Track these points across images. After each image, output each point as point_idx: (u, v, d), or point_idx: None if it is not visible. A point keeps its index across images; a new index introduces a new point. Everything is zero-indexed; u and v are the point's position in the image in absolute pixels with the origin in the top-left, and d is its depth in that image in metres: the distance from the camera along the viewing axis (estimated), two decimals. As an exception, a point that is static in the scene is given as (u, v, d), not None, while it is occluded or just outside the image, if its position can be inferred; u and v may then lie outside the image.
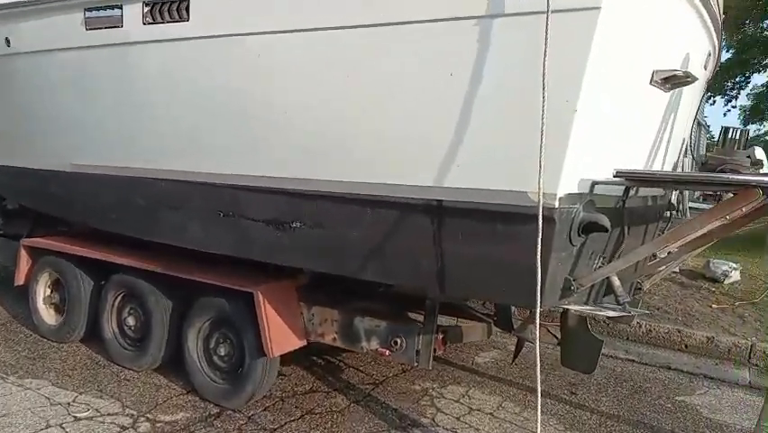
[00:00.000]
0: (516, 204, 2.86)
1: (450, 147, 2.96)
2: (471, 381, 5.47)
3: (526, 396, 5.18)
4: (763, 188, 2.66)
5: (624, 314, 3.12)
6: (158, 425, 4.26)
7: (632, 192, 3.45)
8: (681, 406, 5.20)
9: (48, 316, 5.82)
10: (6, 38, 4.80)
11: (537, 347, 3.00)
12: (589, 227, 2.97)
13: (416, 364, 4.14)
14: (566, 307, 3.12)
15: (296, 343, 4.46)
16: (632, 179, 2.92)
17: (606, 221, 2.95)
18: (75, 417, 4.31)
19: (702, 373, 6.05)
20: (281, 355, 4.66)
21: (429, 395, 5.06)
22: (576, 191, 2.92)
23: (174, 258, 4.89)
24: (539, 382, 3.00)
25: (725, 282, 8.08)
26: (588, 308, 3.36)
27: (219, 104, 3.71)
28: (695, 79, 3.31)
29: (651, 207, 4.01)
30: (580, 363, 4.13)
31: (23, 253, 5.89)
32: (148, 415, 4.40)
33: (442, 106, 2.96)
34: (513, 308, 4.35)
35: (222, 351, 4.64)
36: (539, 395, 3.13)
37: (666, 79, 3.19)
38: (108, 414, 4.38)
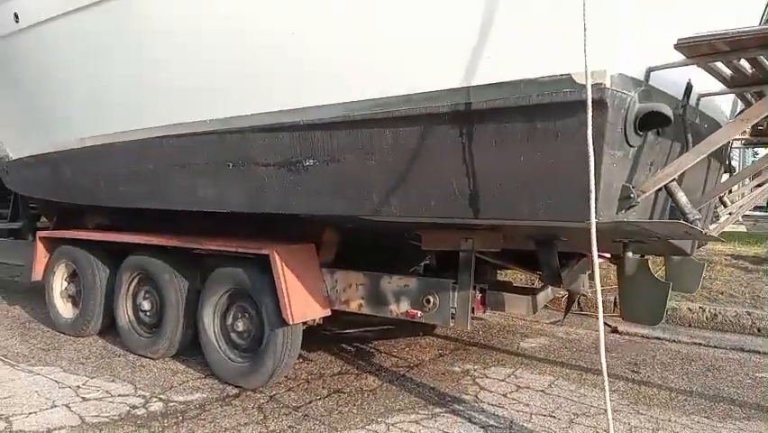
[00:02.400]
0: (558, 91, 2.42)
1: (478, 35, 2.55)
2: (518, 362, 4.93)
3: (582, 375, 4.61)
4: None
5: (693, 228, 2.58)
6: (171, 404, 3.87)
7: (692, 99, 2.97)
8: (763, 381, 4.53)
9: (65, 309, 5.57)
10: (15, 13, 4.66)
11: (597, 273, 2.49)
12: (647, 120, 2.50)
13: (451, 325, 3.65)
14: (624, 220, 2.61)
15: (318, 311, 4.04)
16: (702, 49, 2.36)
17: (667, 109, 2.48)
18: (83, 397, 3.96)
19: (782, 353, 5.33)
20: (307, 339, 4.27)
21: (471, 375, 4.54)
22: (630, 74, 2.46)
23: (188, 232, 4.60)
24: (600, 306, 2.48)
25: (794, 264, 7.32)
26: (650, 220, 2.84)
27: (216, 41, 3.42)
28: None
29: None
30: (645, 314, 3.56)
31: (40, 246, 5.68)
32: (161, 396, 4.02)
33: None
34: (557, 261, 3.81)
35: (240, 326, 4.25)
36: (602, 331, 2.60)
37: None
38: (119, 395, 4.02)
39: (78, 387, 4.15)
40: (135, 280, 4.96)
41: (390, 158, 3.00)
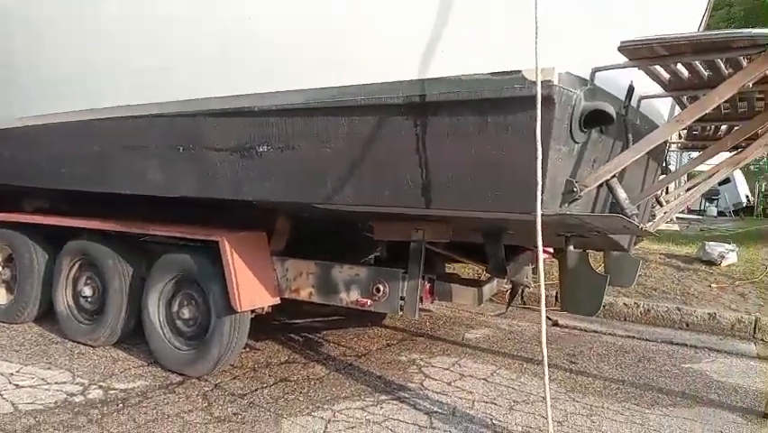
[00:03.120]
0: (509, 87, 2.51)
1: (432, 30, 2.61)
2: (462, 352, 5.05)
3: (522, 365, 4.77)
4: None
5: (630, 222, 2.74)
6: (111, 392, 3.78)
7: (634, 101, 3.13)
8: (688, 372, 4.82)
9: (-2, 295, 5.32)
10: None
11: (541, 263, 2.60)
12: (591, 118, 2.62)
13: (400, 314, 3.72)
14: (567, 213, 2.74)
15: (267, 299, 4.02)
16: (642, 52, 2.51)
17: (610, 108, 2.61)
18: (16, 385, 3.81)
19: (707, 346, 5.68)
20: (255, 329, 4.24)
21: (416, 364, 4.63)
22: (576, 73, 2.58)
23: (134, 216, 4.49)
24: (543, 289, 2.60)
25: (722, 264, 7.76)
26: (591, 214, 2.98)
27: (169, 22, 3.37)
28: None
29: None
30: (584, 305, 3.73)
31: (-27, 230, 5.40)
32: (101, 384, 3.91)
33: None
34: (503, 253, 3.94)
35: (186, 314, 4.19)
36: (544, 318, 2.72)
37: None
38: (56, 382, 3.90)
39: (11, 374, 4.00)
40: (76, 266, 4.80)
41: (345, 146, 3.03)
